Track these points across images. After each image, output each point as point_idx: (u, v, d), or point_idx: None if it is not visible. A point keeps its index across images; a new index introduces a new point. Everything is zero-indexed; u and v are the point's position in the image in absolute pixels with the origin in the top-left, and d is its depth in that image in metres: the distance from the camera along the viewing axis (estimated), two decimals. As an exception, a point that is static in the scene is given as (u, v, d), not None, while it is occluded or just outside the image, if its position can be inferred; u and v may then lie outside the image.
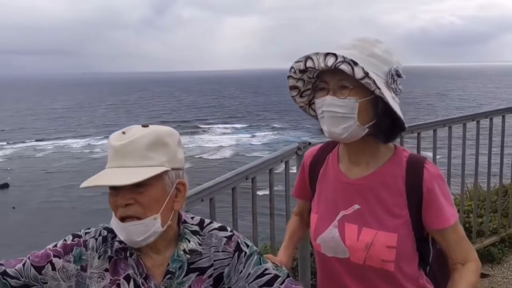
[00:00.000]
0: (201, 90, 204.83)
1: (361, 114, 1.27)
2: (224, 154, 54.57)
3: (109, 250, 1.21)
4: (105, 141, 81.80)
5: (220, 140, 65.52)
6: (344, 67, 1.21)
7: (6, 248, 36.82)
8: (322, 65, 1.25)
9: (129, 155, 1.10)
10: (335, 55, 1.23)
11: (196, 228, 1.25)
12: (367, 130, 1.30)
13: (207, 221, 1.29)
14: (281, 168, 2.49)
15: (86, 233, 1.25)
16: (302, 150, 2.40)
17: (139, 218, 1.11)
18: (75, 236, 1.24)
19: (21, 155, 70.83)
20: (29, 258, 1.21)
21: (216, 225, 1.28)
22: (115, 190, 1.11)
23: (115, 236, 1.19)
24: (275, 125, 73.74)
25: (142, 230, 1.11)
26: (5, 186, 55.09)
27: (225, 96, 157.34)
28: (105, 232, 1.24)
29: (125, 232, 1.12)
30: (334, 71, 1.26)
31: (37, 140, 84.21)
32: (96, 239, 1.23)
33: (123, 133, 1.13)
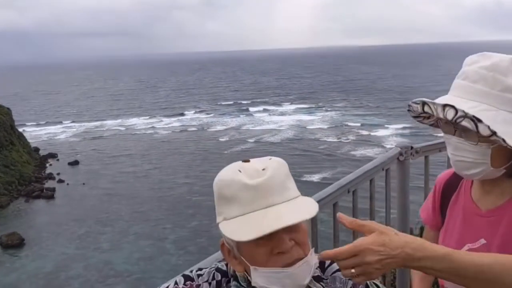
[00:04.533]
0: (262, 69, 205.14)
1: (495, 158, 1.14)
2: (285, 135, 54.22)
3: None
4: (168, 120, 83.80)
5: (281, 121, 65.05)
6: (466, 124, 1.09)
7: (79, 223, 38.81)
8: (441, 116, 1.13)
9: (274, 190, 0.98)
10: (454, 108, 1.09)
11: (318, 271, 1.11)
12: (503, 171, 1.17)
13: (326, 261, 1.13)
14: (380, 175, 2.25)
15: (198, 276, 1.13)
16: (404, 156, 2.23)
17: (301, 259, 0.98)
18: (186, 278, 1.13)
19: (89, 134, 74.61)
20: None
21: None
22: (269, 236, 0.95)
23: (229, 280, 1.10)
24: (337, 105, 71.85)
25: (307, 270, 0.99)
26: (76, 163, 58.36)
27: (286, 75, 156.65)
28: (219, 276, 1.12)
29: (290, 279, 0.97)
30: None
31: (103, 120, 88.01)
32: (210, 283, 1.12)
33: (263, 169, 1.00)
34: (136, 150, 61.97)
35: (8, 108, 58.65)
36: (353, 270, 0.93)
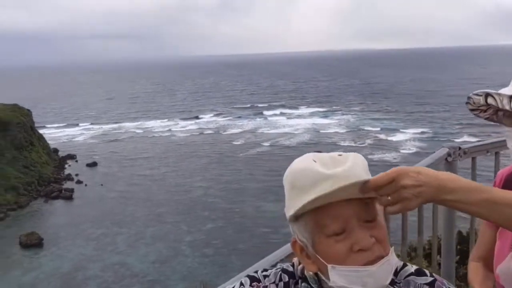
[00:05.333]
0: (278, 72, 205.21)
1: None
2: (301, 139, 54.01)
3: None
4: (184, 123, 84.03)
5: (297, 124, 64.85)
6: None
7: (96, 224, 39.04)
8: (507, 107, 1.14)
9: (352, 181, 0.93)
10: None
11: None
12: None
13: (398, 265, 1.06)
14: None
15: (265, 277, 1.09)
16: (452, 157, 2.14)
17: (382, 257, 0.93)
18: (252, 279, 1.09)
19: (107, 136, 75.36)
20: None
21: (411, 268, 1.07)
22: (348, 232, 0.92)
23: (297, 282, 1.06)
24: (354, 109, 71.33)
25: (389, 269, 0.93)
26: (94, 164, 58.98)
27: (302, 78, 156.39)
28: (286, 277, 1.07)
29: (372, 278, 0.91)
30: None
31: (120, 122, 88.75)
32: (277, 285, 1.07)
33: (339, 155, 0.97)
34: (153, 153, 62.47)
35: (28, 110, 59.56)
36: (389, 198, 0.91)
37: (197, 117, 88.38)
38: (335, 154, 0.97)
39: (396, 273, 1.02)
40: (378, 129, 51.31)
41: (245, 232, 31.49)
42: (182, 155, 60.21)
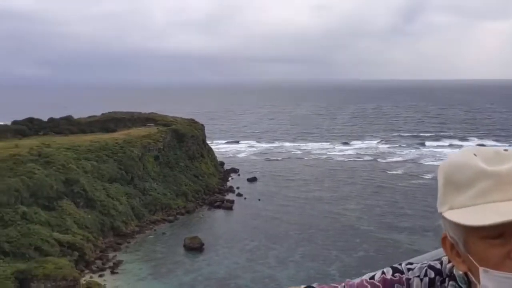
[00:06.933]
0: (448, 100, 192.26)
1: None
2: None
3: None
4: (343, 147, 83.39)
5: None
6: None
7: (251, 236, 40.74)
8: None
9: None
10: None
11: None
12: None
13: None
14: None
15: (408, 270, 1.06)
16: None
17: None
18: (395, 270, 1.06)
19: (267, 155, 78.63)
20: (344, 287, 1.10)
21: None
22: (507, 237, 0.86)
23: (443, 280, 1.01)
24: (535, 146, 63.21)
25: None
26: (254, 180, 62.03)
27: (476, 108, 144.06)
28: (432, 273, 1.03)
29: None
30: None
31: (281, 142, 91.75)
32: (421, 280, 1.03)
33: (505, 150, 0.90)
34: (309, 175, 63.62)
35: (202, 124, 65.83)
36: None
37: (356, 143, 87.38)
38: (500, 148, 0.89)
39: None
40: None
41: (397, 265, 29.87)
42: (338, 179, 60.15)
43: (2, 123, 61.99)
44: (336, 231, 41.00)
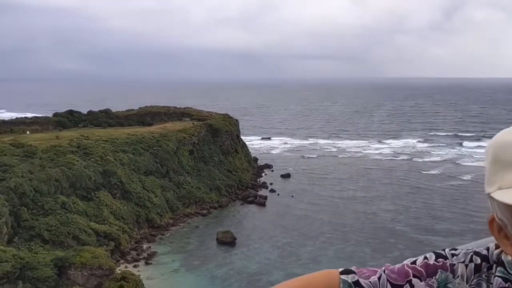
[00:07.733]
0: (490, 99, 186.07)
1: None
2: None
3: (484, 285, 0.97)
4: (379, 145, 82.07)
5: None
6: None
7: (283, 232, 40.75)
8: None
9: None
10: None
11: None
12: None
13: None
14: None
15: (452, 255, 1.02)
16: None
17: None
18: (438, 255, 1.03)
19: (302, 152, 78.22)
20: (384, 272, 1.06)
21: None
22: None
23: (490, 266, 0.97)
24: None
25: None
26: (287, 176, 61.88)
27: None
28: (478, 260, 0.99)
29: None
30: None
31: (315, 139, 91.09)
32: (467, 266, 1.00)
33: None
34: (343, 173, 62.83)
35: (236, 120, 66.05)
36: None
37: (392, 141, 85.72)
38: None
39: None
40: None
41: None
42: (373, 178, 59.15)
43: (44, 115, 64.05)
44: (370, 230, 40.39)
